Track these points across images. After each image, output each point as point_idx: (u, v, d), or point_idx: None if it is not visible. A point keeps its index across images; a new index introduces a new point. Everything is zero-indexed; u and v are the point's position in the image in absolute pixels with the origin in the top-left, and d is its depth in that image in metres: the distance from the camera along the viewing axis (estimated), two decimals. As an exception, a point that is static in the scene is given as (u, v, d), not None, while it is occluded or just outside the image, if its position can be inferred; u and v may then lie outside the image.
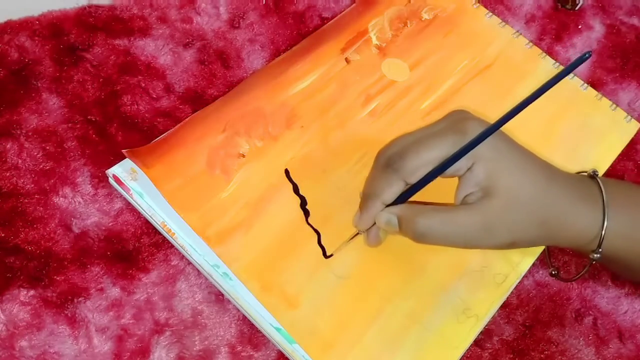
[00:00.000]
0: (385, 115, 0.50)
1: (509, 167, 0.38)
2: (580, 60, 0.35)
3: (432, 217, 0.37)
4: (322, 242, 0.44)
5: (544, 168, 0.39)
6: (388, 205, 0.39)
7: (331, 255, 0.44)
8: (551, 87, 0.36)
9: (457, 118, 0.39)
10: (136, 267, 0.43)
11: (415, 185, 0.38)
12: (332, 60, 0.52)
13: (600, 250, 0.39)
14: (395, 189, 0.39)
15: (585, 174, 0.42)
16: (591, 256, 0.40)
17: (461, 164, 0.37)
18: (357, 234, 0.43)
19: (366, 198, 0.40)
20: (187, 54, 0.51)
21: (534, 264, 0.47)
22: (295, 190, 0.46)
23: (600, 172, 0.50)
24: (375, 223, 0.40)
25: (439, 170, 0.37)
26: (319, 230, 0.45)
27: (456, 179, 0.39)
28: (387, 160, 0.39)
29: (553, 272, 0.46)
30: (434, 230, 0.37)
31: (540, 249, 0.47)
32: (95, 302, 0.42)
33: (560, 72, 0.36)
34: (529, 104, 0.36)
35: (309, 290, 0.43)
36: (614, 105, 0.54)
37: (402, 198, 0.39)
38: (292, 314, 0.42)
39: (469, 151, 0.37)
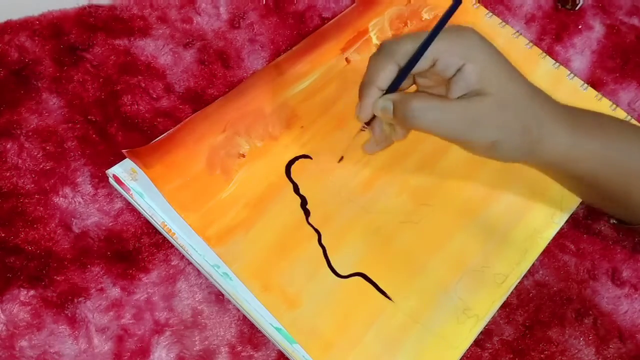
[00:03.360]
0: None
1: (498, 71, 0.39)
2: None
3: (427, 102, 0.39)
4: (322, 242, 0.44)
5: (529, 82, 0.41)
6: (385, 94, 0.41)
7: (342, 159, 0.46)
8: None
9: (458, 26, 0.40)
10: (136, 267, 0.43)
11: (406, 67, 0.40)
12: (332, 60, 0.52)
13: None
14: (388, 73, 0.40)
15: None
16: None
17: (451, 61, 0.38)
18: (362, 130, 0.43)
19: (363, 87, 0.41)
20: (187, 54, 0.51)
21: (533, 264, 0.47)
22: (296, 190, 0.46)
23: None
24: (374, 116, 0.41)
25: (423, 48, 0.39)
26: (319, 230, 0.45)
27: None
28: (382, 46, 0.41)
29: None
30: (426, 114, 0.39)
31: (539, 250, 0.47)
32: (95, 302, 0.42)
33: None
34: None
35: (310, 290, 0.43)
36: (614, 106, 0.54)
37: (395, 85, 0.40)
38: (292, 314, 0.42)
39: (439, 30, 0.38)
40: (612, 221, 0.48)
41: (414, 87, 0.43)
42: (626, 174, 0.42)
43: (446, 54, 0.39)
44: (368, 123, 0.42)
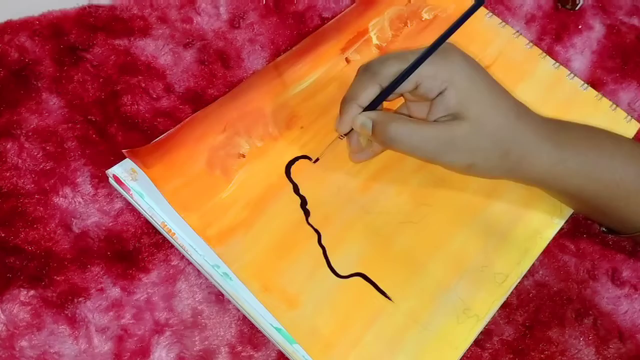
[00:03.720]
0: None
1: (479, 97, 0.40)
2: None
3: (404, 125, 0.40)
4: (322, 242, 0.44)
5: (515, 105, 0.42)
6: (365, 110, 0.42)
7: (317, 160, 0.46)
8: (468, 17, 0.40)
9: (445, 46, 0.41)
10: (136, 267, 0.43)
11: (387, 89, 0.41)
12: (332, 60, 0.52)
13: None
14: (370, 92, 0.41)
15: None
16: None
17: (434, 85, 0.40)
18: (339, 138, 0.45)
19: (345, 102, 0.43)
20: (187, 54, 0.51)
21: (533, 264, 0.47)
22: (296, 190, 0.46)
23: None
24: (353, 128, 0.43)
25: (407, 73, 0.40)
26: (319, 230, 0.45)
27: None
28: (368, 65, 0.42)
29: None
30: (403, 137, 0.40)
31: (539, 250, 0.47)
32: (95, 302, 0.42)
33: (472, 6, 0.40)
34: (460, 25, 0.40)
35: (309, 290, 0.43)
36: (614, 105, 0.54)
37: (375, 103, 0.42)
38: (292, 314, 0.42)
39: (428, 56, 0.40)
40: (602, 229, 0.48)
41: (401, 99, 0.45)
42: (612, 188, 0.42)
43: (429, 79, 0.40)
44: (346, 133, 0.44)
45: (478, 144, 0.40)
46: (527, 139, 0.41)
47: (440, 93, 0.40)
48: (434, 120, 0.41)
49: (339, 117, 0.43)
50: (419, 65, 0.40)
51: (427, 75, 0.40)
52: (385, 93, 0.41)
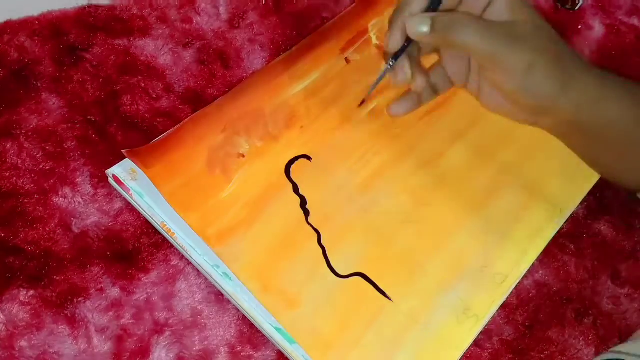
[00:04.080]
0: (385, 115, 0.50)
1: (529, 8, 0.39)
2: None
3: (466, 16, 0.39)
4: (322, 242, 0.44)
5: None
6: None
7: (363, 102, 0.44)
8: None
9: None
10: (136, 267, 0.43)
11: None
12: (332, 60, 0.52)
13: None
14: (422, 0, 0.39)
15: None
16: None
17: None
18: (387, 67, 0.42)
19: (394, 14, 0.40)
20: (187, 54, 0.51)
21: (533, 264, 0.47)
22: (295, 190, 0.46)
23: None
24: (401, 53, 0.41)
25: None
26: (319, 230, 0.45)
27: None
28: None
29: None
30: (468, 27, 0.38)
31: (539, 250, 0.47)
32: (95, 302, 0.42)
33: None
34: None
35: (309, 290, 0.43)
36: (614, 105, 0.54)
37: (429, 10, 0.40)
38: (292, 314, 0.42)
39: None
40: (638, 195, 0.46)
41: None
42: None
43: None
44: (395, 58, 0.41)
45: (538, 44, 0.39)
46: (575, 59, 0.40)
47: (490, 3, 0.39)
48: None
49: (389, 32, 0.40)
50: None
51: None
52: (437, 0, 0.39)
